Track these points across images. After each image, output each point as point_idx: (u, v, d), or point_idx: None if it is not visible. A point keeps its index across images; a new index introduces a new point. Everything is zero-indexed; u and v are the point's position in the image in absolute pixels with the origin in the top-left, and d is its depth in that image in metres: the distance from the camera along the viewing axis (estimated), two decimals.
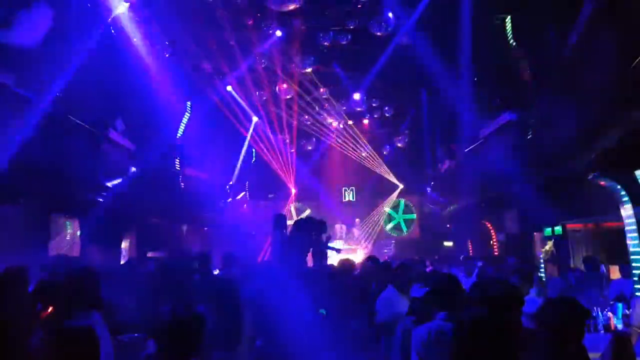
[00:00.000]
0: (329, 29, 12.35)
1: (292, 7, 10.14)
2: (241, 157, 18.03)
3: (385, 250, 18.83)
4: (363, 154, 19.43)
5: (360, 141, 19.55)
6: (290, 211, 19.44)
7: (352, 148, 19.78)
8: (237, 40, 12.65)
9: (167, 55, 11.64)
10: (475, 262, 8.24)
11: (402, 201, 20.28)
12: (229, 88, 15.36)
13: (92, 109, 9.13)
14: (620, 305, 5.54)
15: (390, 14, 11.21)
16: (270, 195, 20.57)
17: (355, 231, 19.43)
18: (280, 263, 7.35)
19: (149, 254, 11.47)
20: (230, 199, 17.04)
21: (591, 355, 2.83)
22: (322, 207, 19.73)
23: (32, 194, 7.70)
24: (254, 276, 5.23)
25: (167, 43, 11.50)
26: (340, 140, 19.99)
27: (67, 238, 9.94)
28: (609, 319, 5.16)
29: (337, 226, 19.42)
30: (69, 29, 8.13)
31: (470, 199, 12.77)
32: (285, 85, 13.71)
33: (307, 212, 19.94)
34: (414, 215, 20.09)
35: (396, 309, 4.51)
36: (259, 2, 10.89)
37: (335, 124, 19.26)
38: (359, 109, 16.16)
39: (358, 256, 14.26)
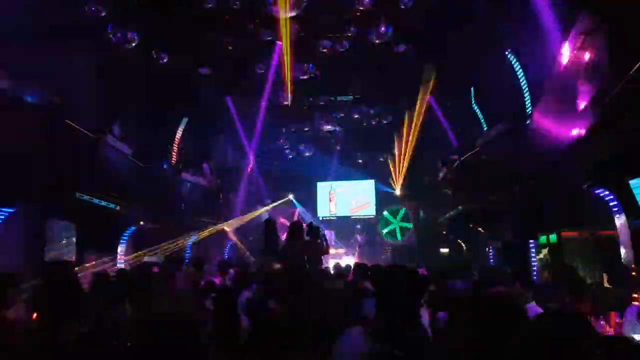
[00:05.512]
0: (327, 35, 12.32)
1: (293, 14, 10.20)
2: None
3: (383, 257, 18.86)
4: (360, 161, 19.44)
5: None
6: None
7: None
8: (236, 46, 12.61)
9: (163, 62, 11.62)
10: None
11: (404, 209, 20.21)
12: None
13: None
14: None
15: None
16: (267, 201, 20.56)
17: (358, 237, 19.64)
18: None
19: (145, 259, 11.44)
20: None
21: None
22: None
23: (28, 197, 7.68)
24: None
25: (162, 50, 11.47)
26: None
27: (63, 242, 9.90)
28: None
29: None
30: None
31: (466, 206, 12.78)
32: (282, 93, 13.71)
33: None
34: (411, 225, 20.08)
35: None
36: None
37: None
38: (356, 116, 16.14)
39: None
